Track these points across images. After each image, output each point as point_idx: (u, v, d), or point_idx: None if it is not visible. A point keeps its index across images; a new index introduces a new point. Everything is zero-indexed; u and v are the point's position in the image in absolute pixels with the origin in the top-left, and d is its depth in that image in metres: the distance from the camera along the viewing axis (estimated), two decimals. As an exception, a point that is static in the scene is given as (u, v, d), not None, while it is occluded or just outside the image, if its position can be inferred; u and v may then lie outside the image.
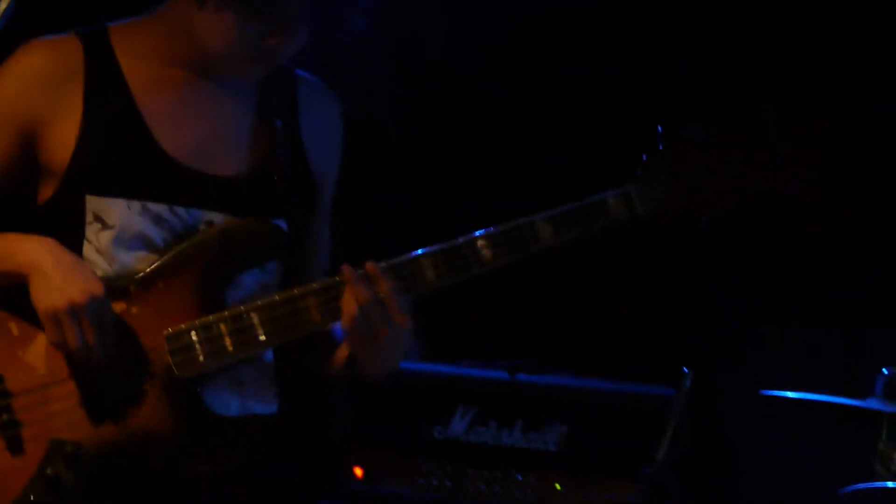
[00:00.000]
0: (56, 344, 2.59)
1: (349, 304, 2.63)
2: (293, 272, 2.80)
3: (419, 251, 2.67)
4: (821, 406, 4.12)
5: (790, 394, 4.15)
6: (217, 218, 2.72)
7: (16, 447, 2.63)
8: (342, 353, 2.75)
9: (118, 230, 2.68)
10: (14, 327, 2.67)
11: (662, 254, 4.98)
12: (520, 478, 4.37)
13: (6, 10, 2.43)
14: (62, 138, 2.70)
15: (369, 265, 2.65)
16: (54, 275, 2.59)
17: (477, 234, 2.68)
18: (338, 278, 2.66)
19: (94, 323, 2.58)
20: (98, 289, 2.59)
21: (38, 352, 2.65)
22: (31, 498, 2.56)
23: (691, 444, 4.09)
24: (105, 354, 2.60)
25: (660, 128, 2.67)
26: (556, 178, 4.73)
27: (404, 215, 5.17)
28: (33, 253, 2.62)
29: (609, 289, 5.15)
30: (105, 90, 2.73)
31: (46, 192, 2.73)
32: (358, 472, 4.43)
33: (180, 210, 2.70)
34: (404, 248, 2.71)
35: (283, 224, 2.76)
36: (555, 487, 4.34)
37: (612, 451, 4.29)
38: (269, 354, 2.76)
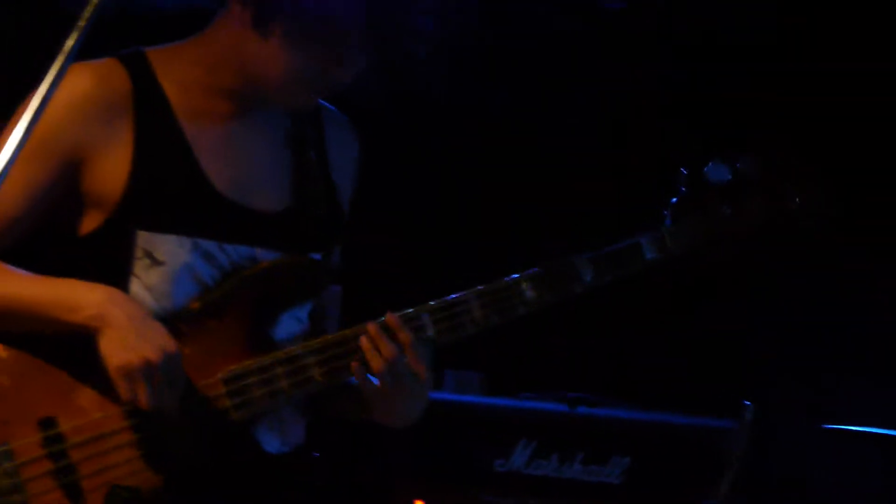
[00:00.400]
0: (128, 401, 2.54)
1: (375, 358, 2.63)
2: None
3: (466, 292, 2.70)
4: (885, 440, 4.09)
5: (853, 427, 4.12)
6: (262, 254, 2.69)
7: (75, 495, 2.58)
8: (357, 401, 2.73)
9: (168, 267, 2.63)
10: (65, 369, 2.61)
11: (724, 285, 4.97)
12: (581, 510, 4.36)
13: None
14: (113, 170, 2.63)
15: (388, 317, 2.65)
16: (126, 330, 2.53)
17: (518, 275, 2.72)
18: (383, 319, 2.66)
19: (167, 381, 2.54)
20: (172, 346, 2.54)
21: (90, 393, 2.60)
22: None
23: (753, 477, 4.07)
24: (172, 409, 2.56)
25: (684, 170, 2.79)
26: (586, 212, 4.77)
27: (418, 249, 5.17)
28: (102, 306, 2.55)
29: (669, 320, 5.15)
30: (154, 121, 2.66)
31: (91, 223, 2.66)
32: (419, 504, 4.44)
33: (229, 247, 2.67)
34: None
35: (320, 259, 2.76)
36: (616, 520, 4.34)
37: (674, 484, 4.28)
38: None
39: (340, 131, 2.86)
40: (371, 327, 2.64)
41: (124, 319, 2.53)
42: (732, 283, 4.99)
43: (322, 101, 2.82)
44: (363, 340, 2.63)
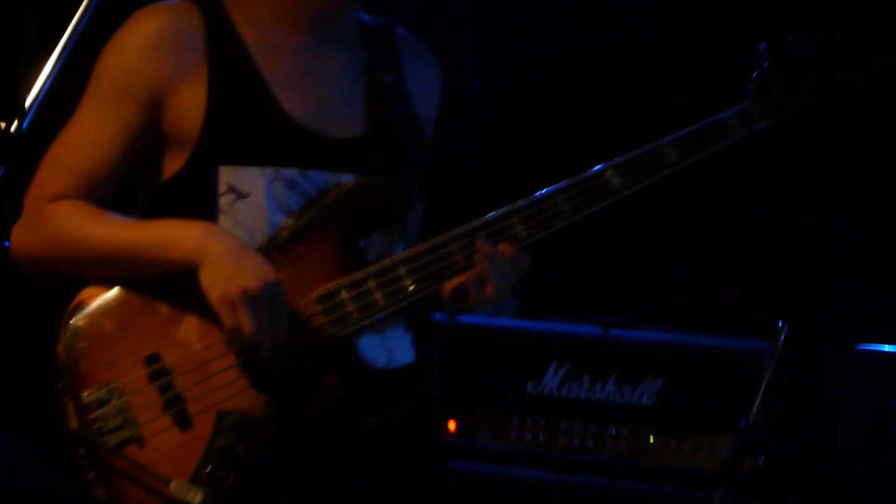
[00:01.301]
0: (231, 330, 2.60)
1: (486, 267, 2.70)
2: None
3: (549, 188, 2.76)
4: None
5: (888, 347, 4.10)
6: (346, 179, 2.75)
7: (184, 422, 2.66)
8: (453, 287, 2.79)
9: (253, 198, 2.70)
10: (162, 306, 2.69)
11: (758, 206, 4.95)
12: (613, 431, 4.37)
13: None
14: (190, 107, 2.70)
15: (479, 243, 2.71)
16: (225, 262, 2.60)
17: (604, 165, 2.78)
18: (474, 222, 2.73)
19: (267, 308, 2.60)
20: (270, 274, 2.61)
21: (189, 327, 2.68)
22: (208, 470, 2.62)
23: (786, 398, 4.07)
24: (276, 336, 2.62)
25: (763, 46, 2.84)
26: (674, 100, 4.73)
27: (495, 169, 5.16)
28: (200, 240, 2.62)
29: (703, 242, 5.13)
30: (227, 56, 2.72)
31: (174, 165, 2.73)
32: (451, 425, 4.46)
33: (311, 173, 2.73)
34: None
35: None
36: (648, 441, 4.34)
37: (706, 405, 4.28)
38: None
39: (415, 52, 2.92)
40: (483, 245, 2.70)
41: (222, 252, 2.61)
42: (765, 202, 4.97)
43: (399, 30, 2.90)
44: (480, 258, 2.69)
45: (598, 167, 2.78)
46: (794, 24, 2.88)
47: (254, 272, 2.59)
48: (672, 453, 4.31)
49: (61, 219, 2.70)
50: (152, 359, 2.66)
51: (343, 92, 2.81)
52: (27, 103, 2.39)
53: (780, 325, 3.77)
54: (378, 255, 2.74)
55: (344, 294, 2.68)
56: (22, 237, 2.73)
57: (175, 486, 2.61)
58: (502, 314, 4.59)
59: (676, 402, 4.33)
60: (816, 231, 4.95)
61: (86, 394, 2.66)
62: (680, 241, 5.16)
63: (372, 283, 2.69)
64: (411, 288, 2.71)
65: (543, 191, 2.76)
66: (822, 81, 2.83)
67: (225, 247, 2.61)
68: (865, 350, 4.15)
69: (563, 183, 2.77)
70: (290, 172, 2.72)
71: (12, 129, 2.35)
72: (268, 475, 2.65)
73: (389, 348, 2.76)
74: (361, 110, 2.81)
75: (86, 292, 2.71)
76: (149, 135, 2.72)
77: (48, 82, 2.41)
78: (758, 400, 3.69)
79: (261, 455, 2.63)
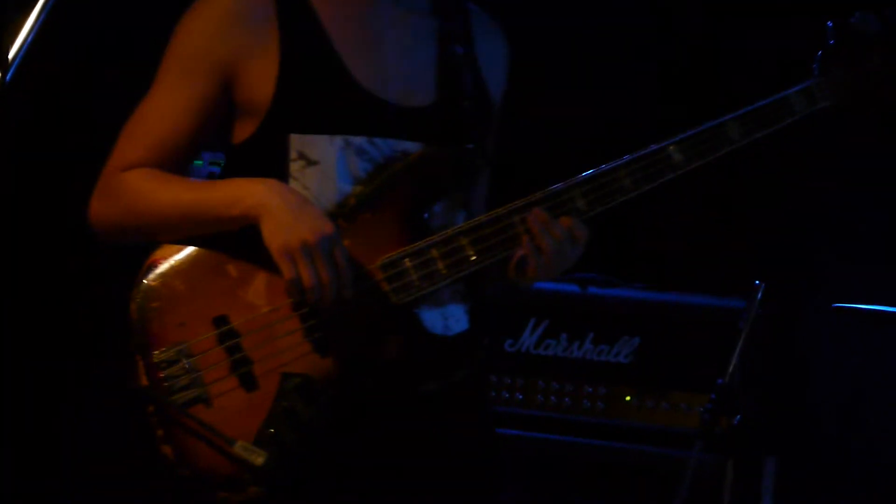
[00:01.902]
0: (291, 281, 2.65)
1: (544, 239, 2.73)
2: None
3: (612, 163, 2.79)
4: (894, 318, 4.09)
5: (863, 306, 4.12)
6: (413, 147, 2.79)
7: (250, 384, 2.70)
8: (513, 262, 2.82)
9: (323, 165, 2.75)
10: (232, 269, 2.74)
11: (735, 165, 4.95)
12: (590, 390, 4.38)
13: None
14: (262, 76, 2.75)
15: (535, 212, 2.74)
16: (285, 215, 2.65)
17: (668, 141, 2.81)
18: (536, 195, 2.76)
19: (326, 260, 2.64)
20: (328, 227, 2.65)
21: (258, 290, 2.73)
22: (272, 431, 2.66)
23: (763, 356, 4.08)
24: (337, 290, 2.67)
25: (829, 23, 2.85)
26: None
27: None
28: (261, 195, 2.68)
29: (681, 201, 5.13)
30: (298, 27, 2.78)
31: (245, 131, 2.79)
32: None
33: (379, 141, 2.77)
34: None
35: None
36: (625, 399, 4.36)
37: (683, 363, 4.30)
38: None
39: (485, 25, 2.96)
40: (539, 213, 2.73)
41: (282, 204, 2.66)
42: (748, 162, 4.98)
43: (469, 4, 2.95)
44: (534, 224, 2.72)
45: (661, 143, 2.81)
46: (862, 3, 2.86)
47: (312, 224, 2.65)
48: (648, 412, 4.33)
49: (133, 185, 2.78)
50: (221, 321, 2.71)
51: (413, 60, 2.85)
52: (10, 55, 2.39)
53: (756, 283, 3.78)
54: (441, 225, 2.78)
55: (407, 262, 2.72)
56: (98, 206, 2.82)
57: (239, 448, 2.66)
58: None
59: (653, 360, 4.35)
60: (793, 190, 4.96)
61: (156, 353, 2.71)
62: (657, 200, 5.16)
63: (435, 253, 2.73)
64: (473, 258, 2.74)
65: (605, 165, 2.79)
66: (889, 61, 2.83)
67: (285, 200, 2.67)
68: (841, 308, 4.16)
69: (625, 158, 2.80)
70: (359, 140, 2.76)
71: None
72: (329, 438, 2.70)
73: (446, 317, 2.80)
74: (431, 79, 2.85)
75: (158, 253, 2.77)
76: (221, 105, 2.79)
77: (31, 34, 2.40)
78: (734, 359, 3.71)
79: (322, 418, 2.68)
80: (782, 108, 2.85)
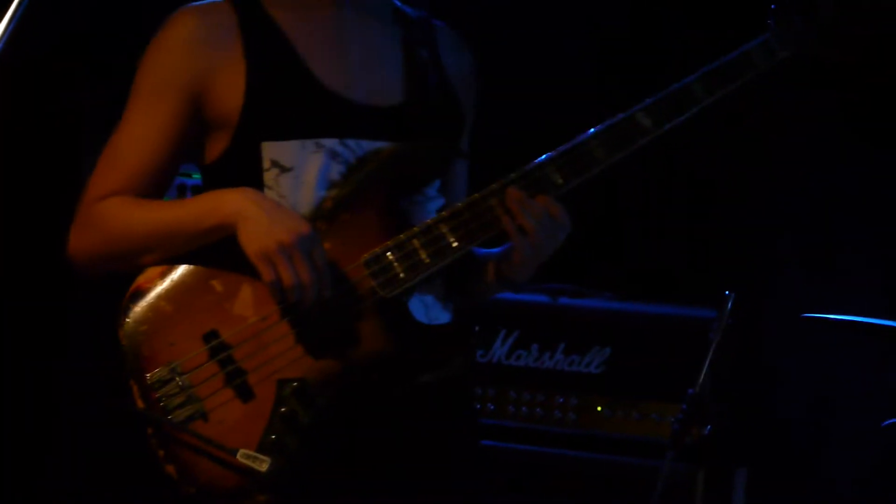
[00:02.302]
0: (271, 283, 2.66)
1: (525, 218, 2.76)
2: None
3: (582, 135, 2.81)
4: (864, 328, 4.11)
5: (832, 316, 4.14)
6: (383, 146, 2.80)
7: (246, 394, 2.71)
8: (494, 264, 2.86)
9: (296, 171, 2.77)
10: (217, 284, 2.75)
11: (705, 174, 4.97)
12: (561, 400, 4.39)
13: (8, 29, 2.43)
14: (230, 90, 2.78)
15: (511, 190, 2.76)
16: (260, 218, 2.67)
17: (635, 108, 2.83)
18: (511, 175, 2.79)
19: (305, 260, 2.66)
20: (304, 227, 2.67)
21: (244, 302, 2.74)
22: (273, 438, 2.67)
23: (733, 366, 4.10)
24: (318, 289, 2.68)
25: None
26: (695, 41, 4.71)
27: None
28: (236, 203, 2.70)
29: (650, 211, 5.15)
30: (261, 39, 2.81)
31: (217, 147, 2.81)
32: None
33: (351, 142, 2.79)
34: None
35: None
36: (597, 409, 4.36)
37: (654, 374, 4.31)
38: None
39: (451, 37, 3.00)
40: (514, 192, 2.76)
41: (257, 209, 2.69)
42: (717, 173, 4.99)
43: (434, 20, 2.98)
44: (512, 203, 2.75)
45: (628, 111, 2.84)
46: None
47: (289, 225, 2.67)
48: (620, 422, 4.34)
49: (110, 213, 2.80)
50: (210, 335, 2.73)
51: (378, 62, 2.88)
52: None
53: (726, 293, 3.79)
54: (420, 219, 2.80)
55: (390, 256, 2.74)
56: (77, 238, 2.84)
57: (242, 455, 2.66)
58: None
59: (624, 370, 4.36)
60: (762, 200, 4.98)
61: (149, 375, 2.72)
62: (627, 210, 5.18)
63: (416, 243, 2.75)
64: (455, 244, 2.76)
65: (576, 138, 2.81)
66: (841, 7, 2.85)
67: (259, 205, 2.69)
68: (810, 318, 4.17)
69: (595, 129, 2.82)
70: (330, 143, 2.78)
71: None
72: (330, 439, 2.72)
73: (429, 311, 2.82)
74: (397, 80, 2.87)
75: (142, 277, 2.78)
76: (193, 125, 2.81)
77: (15, 18, 2.41)
78: (705, 368, 3.72)
79: (322, 419, 2.70)
80: (743, 63, 2.87)
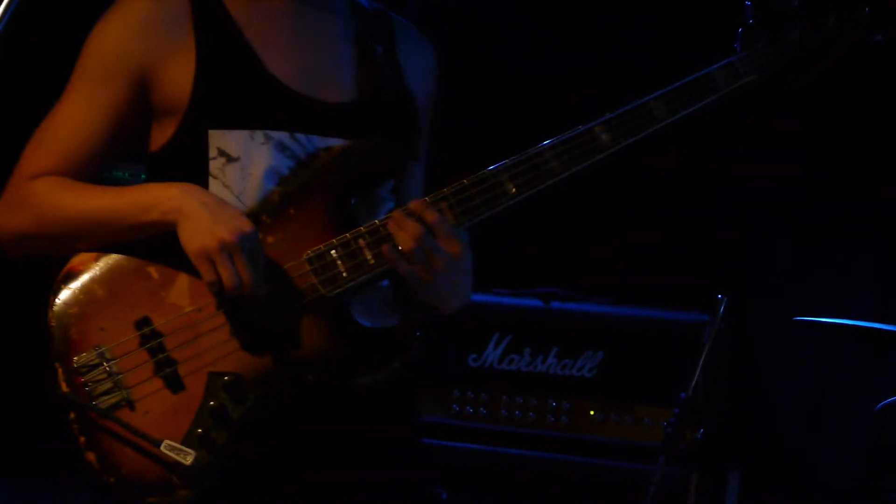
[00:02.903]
0: (211, 283, 2.61)
1: (404, 240, 2.67)
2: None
3: (539, 146, 2.76)
4: (855, 331, 4.12)
5: (824, 319, 4.15)
6: (335, 143, 2.76)
7: (175, 385, 2.65)
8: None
9: (243, 161, 2.72)
10: (153, 271, 2.69)
11: (696, 178, 4.97)
12: (554, 404, 4.39)
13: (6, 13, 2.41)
14: (179, 76, 2.72)
15: (413, 203, 2.69)
16: (202, 216, 2.61)
17: (594, 122, 2.78)
18: (464, 181, 2.73)
19: (247, 259, 2.61)
20: (246, 225, 2.62)
21: (180, 291, 2.68)
22: (200, 431, 2.62)
23: (726, 370, 4.10)
24: (257, 287, 2.63)
25: (748, 2, 2.87)
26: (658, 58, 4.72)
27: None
28: (177, 199, 2.64)
29: (643, 215, 5.15)
30: (214, 28, 2.75)
31: (164, 134, 2.75)
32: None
33: (301, 137, 2.75)
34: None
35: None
36: (589, 414, 4.37)
37: (647, 378, 4.31)
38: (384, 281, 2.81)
39: (408, 32, 2.95)
40: (396, 213, 2.70)
41: (198, 207, 2.63)
42: (702, 176, 5.00)
43: (392, 14, 2.93)
44: (391, 225, 2.69)
45: (588, 124, 2.80)
46: None
47: (230, 224, 2.61)
48: (612, 426, 4.34)
49: (41, 193, 2.73)
50: (143, 322, 2.67)
51: (332, 57, 2.84)
52: None
53: (719, 297, 3.79)
54: (367, 219, 2.74)
55: (334, 254, 2.69)
56: (3, 216, 2.76)
57: (166, 447, 2.60)
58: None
59: (617, 374, 4.36)
60: (754, 204, 4.99)
61: (76, 358, 2.66)
62: (621, 215, 5.19)
63: (362, 243, 2.69)
64: (401, 247, 2.69)
65: (532, 148, 2.77)
66: (809, 33, 2.86)
67: (201, 202, 2.63)
68: (802, 321, 4.18)
69: (552, 140, 2.78)
70: (280, 136, 2.74)
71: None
72: (260, 436, 2.66)
73: (376, 312, 2.77)
74: (351, 76, 2.83)
75: (76, 259, 2.71)
76: (136, 110, 2.75)
77: (4, 19, 2.40)
78: (697, 372, 3.72)
79: (253, 416, 2.64)
80: (705, 85, 2.84)
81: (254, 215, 2.69)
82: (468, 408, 4.45)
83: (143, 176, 3.35)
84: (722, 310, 3.77)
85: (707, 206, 5.03)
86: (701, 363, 3.73)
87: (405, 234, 2.67)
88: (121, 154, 2.81)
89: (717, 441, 4.01)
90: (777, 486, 4.78)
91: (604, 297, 4.56)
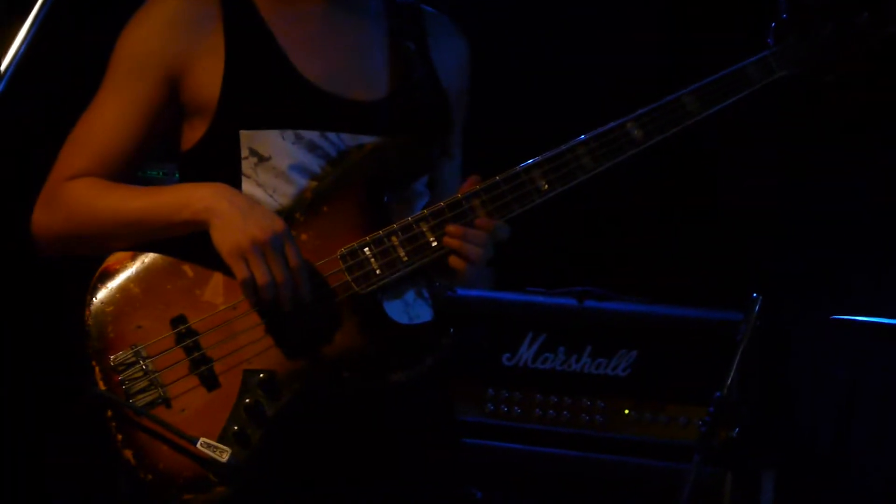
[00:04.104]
0: (245, 282, 2.64)
1: (475, 252, 2.73)
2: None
3: (570, 142, 2.77)
4: (892, 331, 4.09)
5: (860, 318, 4.12)
6: (366, 141, 2.78)
7: (211, 383, 2.69)
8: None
9: (275, 161, 2.75)
10: (188, 269, 2.73)
11: (732, 175, 4.96)
12: (588, 403, 4.38)
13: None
14: (209, 76, 2.75)
15: (479, 222, 2.73)
16: (233, 216, 2.65)
17: (626, 118, 2.79)
18: (497, 177, 2.76)
19: (279, 257, 2.63)
20: (278, 224, 2.65)
21: (215, 289, 2.72)
22: (236, 428, 2.65)
23: (761, 369, 4.09)
24: (292, 285, 2.65)
25: None
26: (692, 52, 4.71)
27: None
28: (208, 199, 2.67)
29: (678, 213, 5.14)
30: (244, 27, 2.78)
31: (195, 134, 2.79)
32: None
33: (332, 136, 2.77)
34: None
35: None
36: (624, 412, 4.36)
37: (681, 376, 4.30)
38: None
39: (441, 26, 2.97)
40: (453, 229, 2.72)
41: (229, 207, 2.66)
42: (738, 172, 4.98)
43: (424, 6, 2.95)
44: (453, 242, 2.71)
45: (620, 120, 2.81)
46: None
47: (262, 223, 2.64)
48: (647, 425, 4.33)
49: (77, 194, 2.77)
50: (178, 320, 2.70)
51: (364, 56, 2.85)
52: (2, 68, 2.40)
53: (754, 296, 3.78)
54: (401, 215, 2.77)
55: (367, 251, 2.72)
56: (41, 217, 2.81)
57: (202, 444, 2.64)
58: (476, 285, 4.59)
59: (651, 373, 4.35)
60: (790, 201, 4.96)
61: (113, 356, 2.69)
62: (655, 212, 5.18)
63: (395, 240, 2.72)
64: (434, 244, 2.73)
65: (564, 145, 2.78)
66: (842, 28, 2.86)
67: (232, 203, 2.66)
68: (839, 321, 4.16)
69: (584, 136, 2.79)
70: (310, 135, 2.76)
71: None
72: (294, 433, 2.69)
73: (410, 308, 2.79)
74: (383, 74, 2.85)
75: (112, 258, 2.76)
76: (168, 110, 2.79)
77: (23, 47, 2.41)
78: (732, 371, 3.71)
79: (287, 413, 2.66)
80: (739, 80, 2.85)
81: (287, 213, 2.72)
82: (502, 406, 4.45)
83: (176, 175, 3.38)
84: (757, 308, 3.75)
85: (742, 203, 5.01)
86: (735, 362, 3.71)
87: (476, 249, 2.71)
88: (155, 153, 2.85)
89: (752, 440, 3.99)
90: (812, 485, 4.75)
91: (638, 296, 4.56)
